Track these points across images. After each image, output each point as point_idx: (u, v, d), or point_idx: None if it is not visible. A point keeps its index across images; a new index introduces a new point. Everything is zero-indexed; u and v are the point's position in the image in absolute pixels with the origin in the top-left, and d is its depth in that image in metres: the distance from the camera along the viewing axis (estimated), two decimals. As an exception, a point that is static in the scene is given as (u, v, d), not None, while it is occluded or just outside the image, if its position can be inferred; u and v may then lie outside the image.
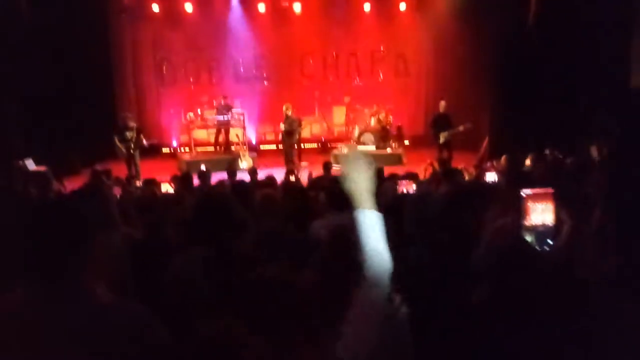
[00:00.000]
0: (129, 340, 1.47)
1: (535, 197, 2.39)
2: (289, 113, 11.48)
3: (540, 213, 2.40)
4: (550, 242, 2.40)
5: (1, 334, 1.47)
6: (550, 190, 2.45)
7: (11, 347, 1.44)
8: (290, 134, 11.41)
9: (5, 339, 1.45)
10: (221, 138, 12.98)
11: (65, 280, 1.49)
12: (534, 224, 2.40)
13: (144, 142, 10.33)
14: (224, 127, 12.80)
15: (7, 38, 9.18)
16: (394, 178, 5.78)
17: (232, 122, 12.60)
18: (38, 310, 1.47)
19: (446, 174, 5.95)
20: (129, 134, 10.15)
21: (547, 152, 7.63)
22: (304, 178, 8.11)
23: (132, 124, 10.32)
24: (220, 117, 12.50)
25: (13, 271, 1.58)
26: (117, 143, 10.13)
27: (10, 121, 9.62)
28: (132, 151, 10.18)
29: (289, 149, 11.47)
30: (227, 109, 12.70)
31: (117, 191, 6.51)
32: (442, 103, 10.96)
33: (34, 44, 9.93)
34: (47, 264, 1.49)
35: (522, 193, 2.42)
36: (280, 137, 12.15)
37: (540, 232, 2.39)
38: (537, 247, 2.39)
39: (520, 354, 1.90)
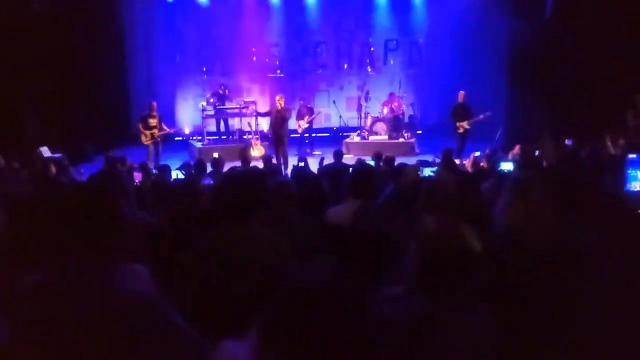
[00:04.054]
0: (138, 325, 1.47)
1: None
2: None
3: None
4: None
5: (17, 312, 1.50)
6: None
7: (26, 324, 1.47)
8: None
9: (21, 317, 1.48)
10: (222, 127, 13.21)
11: (81, 262, 1.50)
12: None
13: (165, 128, 10.72)
14: (221, 117, 12.99)
15: (20, 28, 9.24)
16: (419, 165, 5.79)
17: (228, 111, 12.59)
18: (53, 291, 1.49)
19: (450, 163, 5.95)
20: (151, 122, 10.45)
21: (567, 142, 7.60)
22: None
23: (154, 113, 10.62)
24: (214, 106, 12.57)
25: (35, 252, 1.60)
26: (142, 130, 10.49)
27: (26, 110, 9.75)
28: (155, 138, 10.52)
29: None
30: (219, 99, 12.76)
31: (138, 177, 6.60)
32: (461, 93, 11.04)
33: (46, 33, 9.97)
34: (64, 245, 1.51)
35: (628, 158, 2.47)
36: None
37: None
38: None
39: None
